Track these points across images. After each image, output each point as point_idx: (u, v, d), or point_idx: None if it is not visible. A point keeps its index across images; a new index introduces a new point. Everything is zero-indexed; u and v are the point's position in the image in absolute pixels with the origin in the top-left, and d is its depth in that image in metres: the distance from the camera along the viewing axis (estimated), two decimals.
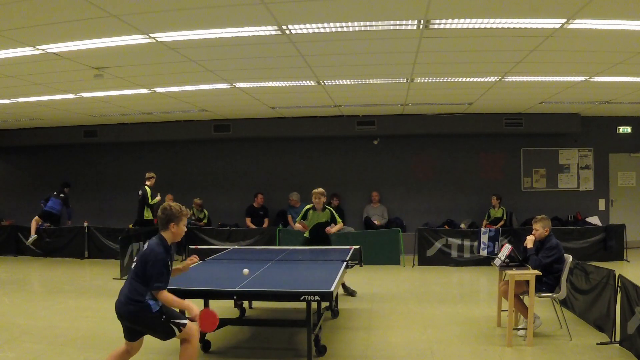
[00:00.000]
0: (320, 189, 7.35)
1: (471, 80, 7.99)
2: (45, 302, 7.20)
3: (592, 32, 5.51)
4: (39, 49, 5.95)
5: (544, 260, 5.29)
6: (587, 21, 5.17)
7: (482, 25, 5.31)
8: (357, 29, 5.44)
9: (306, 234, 7.56)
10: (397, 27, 5.40)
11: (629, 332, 4.78)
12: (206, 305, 5.33)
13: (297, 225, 7.58)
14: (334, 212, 7.50)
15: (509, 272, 5.23)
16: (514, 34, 5.60)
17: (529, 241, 5.50)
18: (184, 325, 3.76)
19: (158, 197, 10.38)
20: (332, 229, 7.42)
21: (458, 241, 10.23)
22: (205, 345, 5.04)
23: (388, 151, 12.41)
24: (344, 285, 7.48)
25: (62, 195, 11.61)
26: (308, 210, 7.41)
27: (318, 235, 7.39)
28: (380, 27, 5.40)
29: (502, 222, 11.15)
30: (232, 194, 12.74)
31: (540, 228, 5.48)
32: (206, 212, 12.07)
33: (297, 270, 5.90)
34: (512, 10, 4.93)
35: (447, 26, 5.34)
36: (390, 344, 5.27)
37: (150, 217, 10.67)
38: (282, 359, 5.09)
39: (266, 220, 11.80)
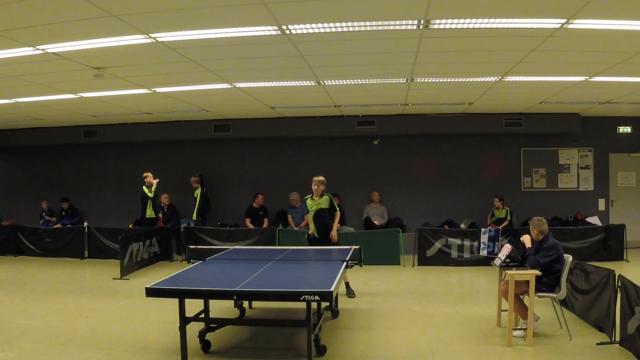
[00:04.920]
0: (321, 177, 7.59)
1: (471, 80, 7.99)
2: (45, 302, 7.20)
3: (592, 32, 5.50)
4: (39, 49, 5.94)
5: (542, 260, 5.30)
6: (587, 21, 5.16)
7: (482, 25, 5.31)
8: (357, 29, 5.43)
9: (312, 230, 7.56)
10: (397, 27, 5.40)
11: (629, 332, 4.78)
12: (206, 304, 5.35)
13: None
14: (332, 198, 7.61)
15: (509, 272, 5.24)
16: (514, 34, 5.59)
17: (526, 240, 5.50)
18: None
19: (153, 182, 10.50)
20: (334, 233, 7.50)
21: (458, 241, 10.22)
22: (205, 345, 5.04)
23: (388, 151, 12.41)
24: (347, 285, 7.54)
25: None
26: (306, 200, 7.64)
27: (321, 222, 7.46)
28: (380, 27, 5.40)
29: (505, 223, 11.14)
30: (232, 194, 12.73)
31: (533, 230, 5.55)
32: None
33: (297, 270, 5.90)
34: (512, 10, 4.92)
35: (447, 26, 5.34)
36: (390, 344, 5.28)
37: (153, 215, 10.69)
38: (282, 359, 5.09)
39: (266, 221, 11.80)
